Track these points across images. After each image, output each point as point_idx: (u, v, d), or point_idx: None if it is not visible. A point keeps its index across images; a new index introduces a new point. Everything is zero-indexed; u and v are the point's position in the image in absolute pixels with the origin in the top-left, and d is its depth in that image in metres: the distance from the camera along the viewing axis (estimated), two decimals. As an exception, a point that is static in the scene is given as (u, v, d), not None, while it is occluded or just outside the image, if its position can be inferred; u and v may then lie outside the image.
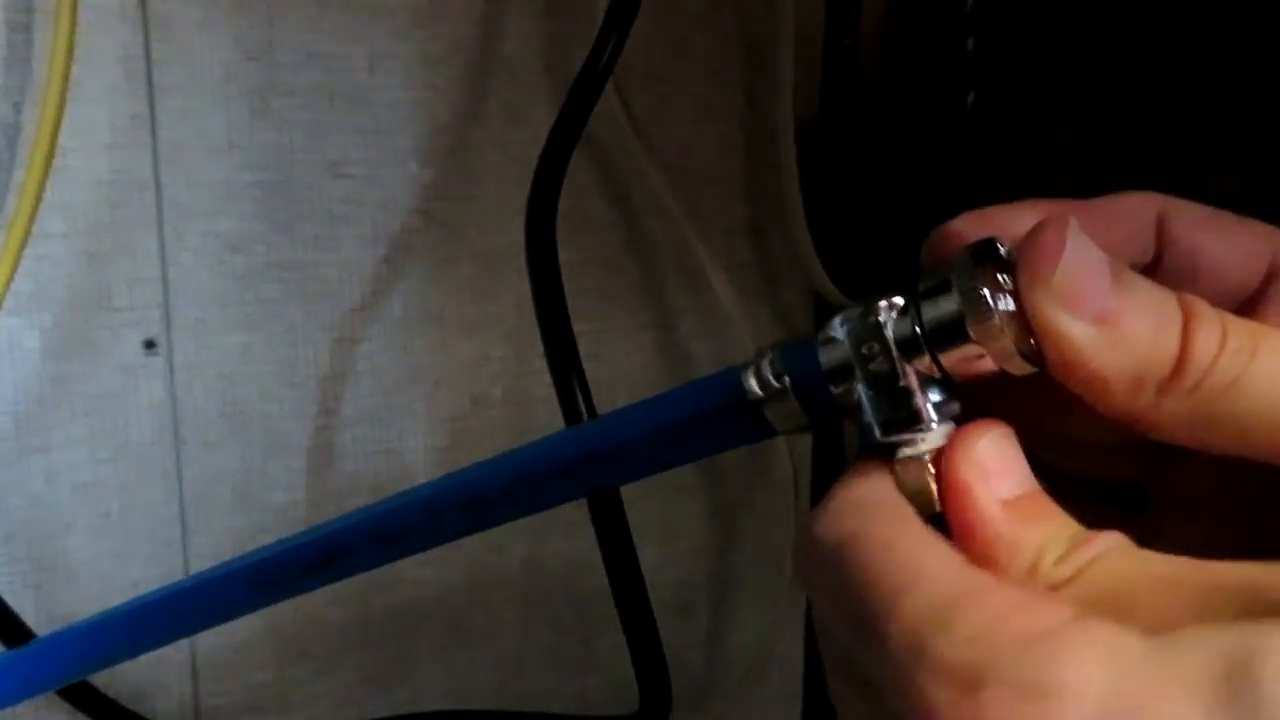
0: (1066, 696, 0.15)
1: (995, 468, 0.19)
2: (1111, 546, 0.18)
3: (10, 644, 0.37)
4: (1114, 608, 0.16)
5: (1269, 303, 0.21)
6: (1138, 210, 0.22)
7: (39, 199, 0.35)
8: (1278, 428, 0.18)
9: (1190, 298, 0.19)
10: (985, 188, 0.46)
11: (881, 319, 0.19)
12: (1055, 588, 0.17)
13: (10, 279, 0.34)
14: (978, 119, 0.46)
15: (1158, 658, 0.15)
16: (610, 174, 0.47)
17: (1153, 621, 0.16)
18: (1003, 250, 0.19)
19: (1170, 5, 0.40)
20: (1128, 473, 0.22)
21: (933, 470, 0.19)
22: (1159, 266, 0.22)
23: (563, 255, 0.40)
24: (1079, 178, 0.44)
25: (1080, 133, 0.44)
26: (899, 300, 0.20)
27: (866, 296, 0.20)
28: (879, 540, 0.18)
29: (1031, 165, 0.46)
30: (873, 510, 0.19)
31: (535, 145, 0.40)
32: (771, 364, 0.21)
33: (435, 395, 0.45)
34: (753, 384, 0.21)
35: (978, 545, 0.18)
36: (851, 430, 0.21)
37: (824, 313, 0.53)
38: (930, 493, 0.19)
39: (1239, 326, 0.18)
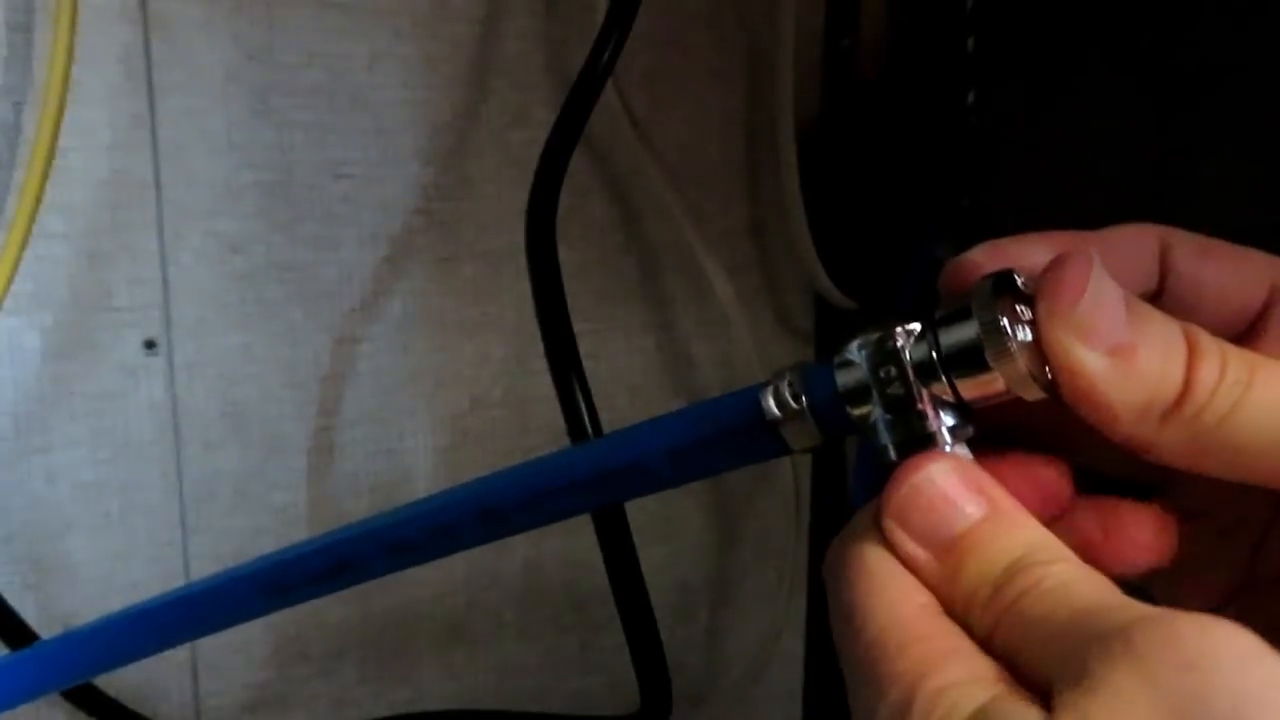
0: None
1: (916, 518, 0.19)
2: (1028, 587, 0.18)
3: (11, 644, 0.37)
4: (1016, 661, 0.18)
5: (1268, 330, 0.22)
6: (1141, 241, 0.23)
7: (39, 199, 0.34)
8: (1268, 454, 0.19)
9: (1193, 329, 0.20)
10: (985, 188, 0.46)
11: (899, 344, 0.20)
12: (986, 637, 0.18)
13: (11, 279, 0.34)
14: (978, 119, 0.46)
15: None
16: (610, 174, 0.47)
17: (1034, 678, 0.17)
18: (1019, 282, 0.20)
19: (1169, 5, 0.40)
20: (1138, 475, 0.23)
21: None
22: (1162, 295, 0.23)
23: (563, 255, 0.40)
24: (1079, 176, 0.44)
25: (1080, 131, 0.44)
26: (915, 326, 0.20)
27: (870, 310, 0.21)
28: (848, 593, 0.20)
29: (1031, 165, 0.46)
30: (860, 554, 0.20)
31: (535, 145, 0.40)
32: (790, 385, 0.21)
33: (435, 395, 0.45)
34: (771, 404, 0.21)
35: (930, 589, 0.19)
36: (852, 436, 0.21)
37: (824, 313, 0.53)
38: None
39: (1237, 357, 0.19)
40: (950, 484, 0.19)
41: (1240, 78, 0.39)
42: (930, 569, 0.19)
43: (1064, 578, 0.18)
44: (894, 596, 0.19)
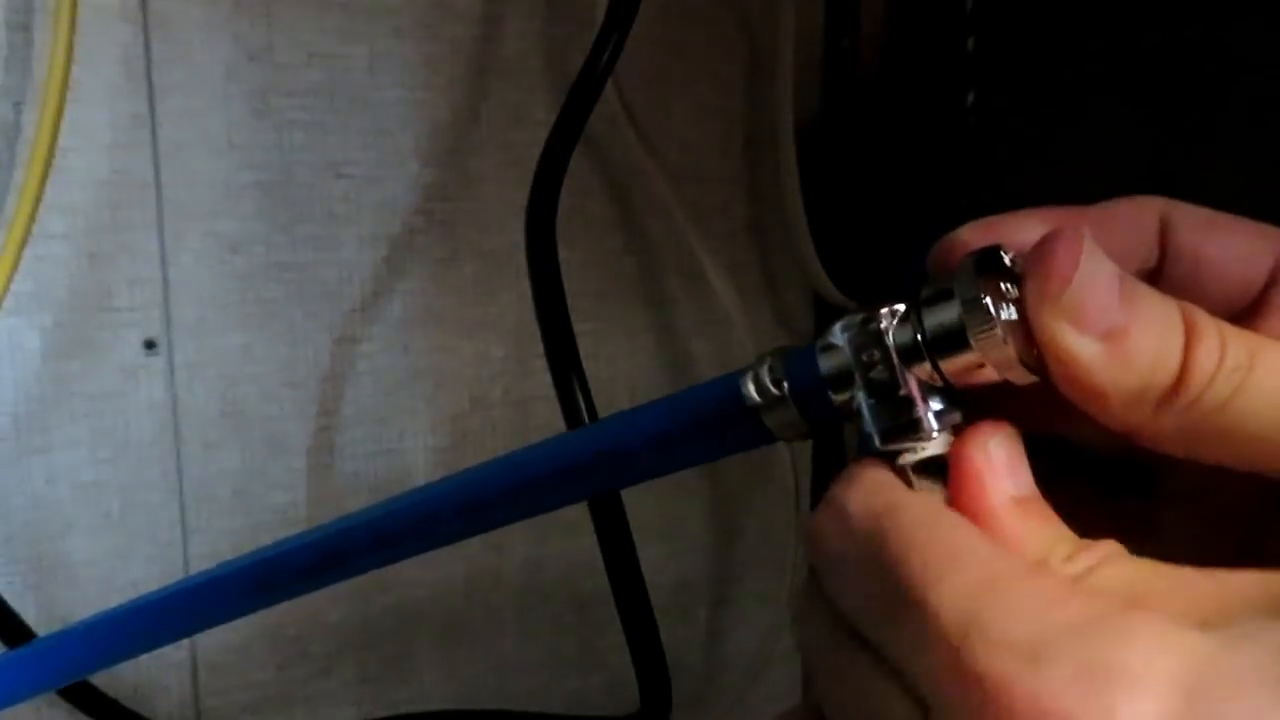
0: (1136, 679, 0.15)
1: (1003, 467, 0.19)
2: (1114, 551, 0.18)
3: (11, 644, 0.37)
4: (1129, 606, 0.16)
5: (1271, 306, 0.21)
6: (1141, 215, 0.22)
7: (39, 199, 0.34)
8: (1269, 441, 0.18)
9: (1191, 309, 0.19)
10: (985, 188, 0.46)
11: (883, 326, 0.19)
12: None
13: (10, 279, 0.34)
14: (978, 119, 0.46)
15: (1225, 650, 0.15)
16: (610, 174, 0.47)
17: (1176, 618, 0.16)
18: (1007, 259, 0.19)
19: (1171, 5, 0.40)
20: (1132, 455, 0.22)
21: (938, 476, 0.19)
22: (1163, 271, 0.22)
23: (563, 255, 0.40)
24: (1079, 176, 0.44)
25: (1080, 132, 0.44)
26: (900, 307, 0.19)
27: (867, 302, 0.20)
28: (918, 516, 0.18)
29: (1031, 165, 0.46)
30: (905, 490, 0.19)
31: (535, 145, 0.40)
32: (771, 370, 0.20)
33: (435, 395, 0.45)
34: (751, 390, 0.21)
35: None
36: (853, 431, 0.21)
37: (824, 313, 0.53)
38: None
39: (1236, 340, 0.18)
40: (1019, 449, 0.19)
41: (1242, 78, 0.39)
42: (1013, 517, 0.18)
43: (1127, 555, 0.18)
44: (981, 534, 0.18)
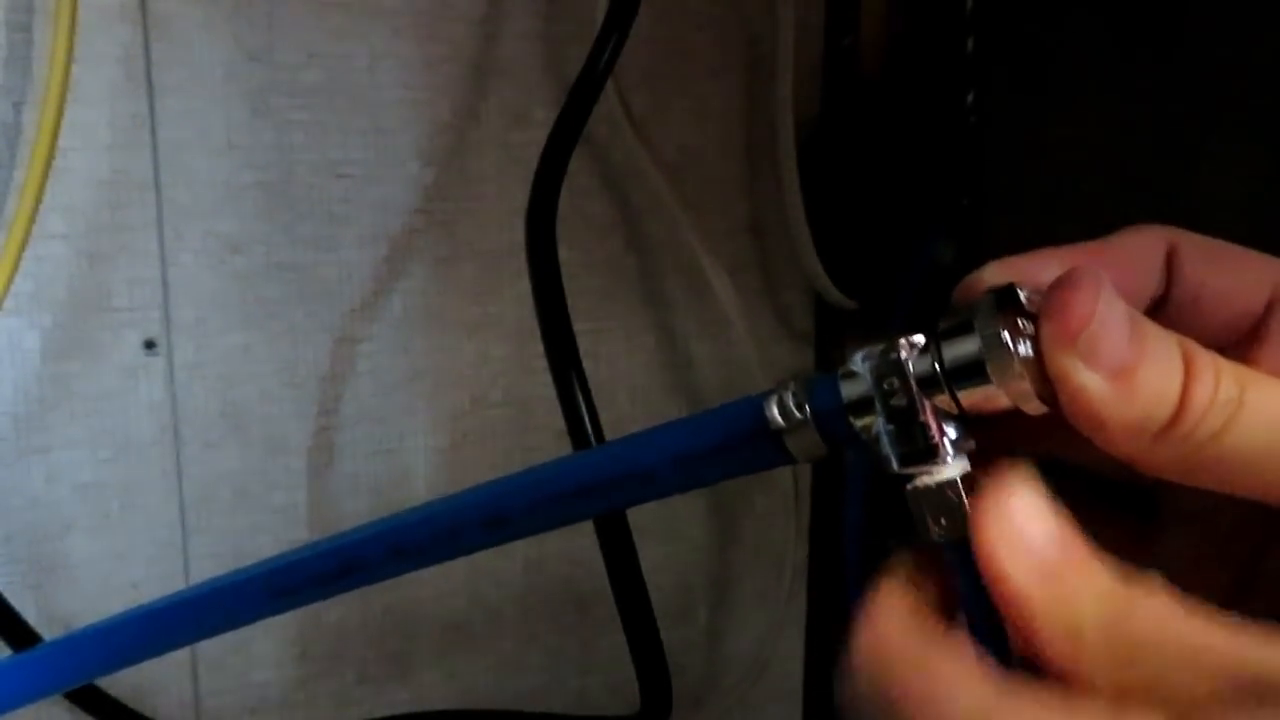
0: None
1: (1028, 531, 0.19)
2: (1148, 610, 0.18)
3: (11, 643, 0.37)
4: (1146, 688, 0.18)
5: (1269, 334, 0.22)
6: (1148, 247, 0.23)
7: (39, 200, 0.35)
8: (1259, 470, 0.19)
9: (1190, 345, 0.20)
10: (985, 188, 0.46)
11: (903, 356, 0.20)
12: (1096, 668, 0.18)
13: (10, 279, 0.34)
14: (978, 119, 0.46)
15: None
16: (610, 174, 0.47)
17: (1178, 703, 0.17)
18: (1023, 296, 0.20)
19: (1170, 4, 0.40)
20: (1136, 478, 0.23)
21: (958, 495, 0.20)
22: (1168, 298, 0.23)
23: (563, 255, 0.40)
24: (1078, 176, 0.44)
25: (1080, 132, 0.44)
26: (919, 338, 0.20)
27: (869, 309, 0.21)
28: (906, 668, 0.19)
29: (1031, 164, 0.46)
30: (899, 647, 0.20)
31: (535, 145, 0.40)
32: (794, 395, 0.21)
33: (435, 395, 0.45)
34: (775, 414, 0.21)
35: (1020, 628, 0.19)
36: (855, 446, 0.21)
37: (824, 313, 0.53)
38: (954, 517, 0.20)
39: (1229, 374, 0.19)
40: (1047, 506, 0.20)
41: (1241, 79, 0.39)
42: (1038, 599, 0.19)
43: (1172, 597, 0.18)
44: (960, 670, 0.19)
